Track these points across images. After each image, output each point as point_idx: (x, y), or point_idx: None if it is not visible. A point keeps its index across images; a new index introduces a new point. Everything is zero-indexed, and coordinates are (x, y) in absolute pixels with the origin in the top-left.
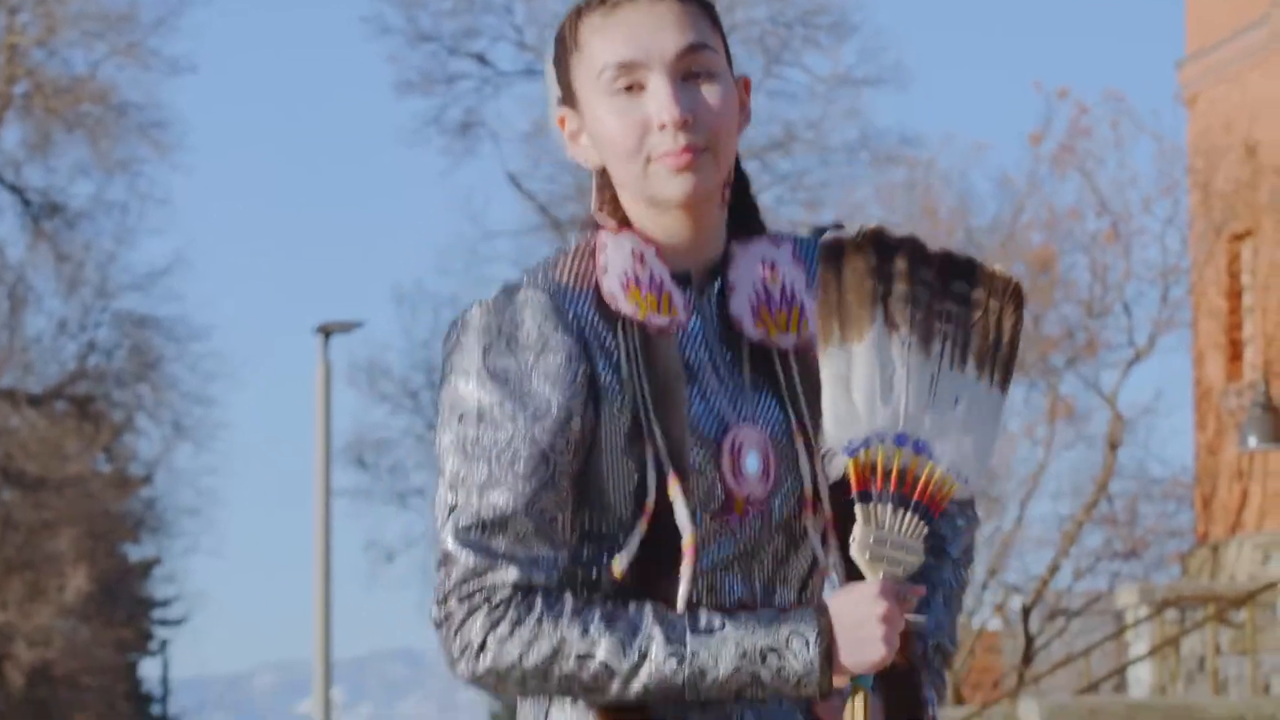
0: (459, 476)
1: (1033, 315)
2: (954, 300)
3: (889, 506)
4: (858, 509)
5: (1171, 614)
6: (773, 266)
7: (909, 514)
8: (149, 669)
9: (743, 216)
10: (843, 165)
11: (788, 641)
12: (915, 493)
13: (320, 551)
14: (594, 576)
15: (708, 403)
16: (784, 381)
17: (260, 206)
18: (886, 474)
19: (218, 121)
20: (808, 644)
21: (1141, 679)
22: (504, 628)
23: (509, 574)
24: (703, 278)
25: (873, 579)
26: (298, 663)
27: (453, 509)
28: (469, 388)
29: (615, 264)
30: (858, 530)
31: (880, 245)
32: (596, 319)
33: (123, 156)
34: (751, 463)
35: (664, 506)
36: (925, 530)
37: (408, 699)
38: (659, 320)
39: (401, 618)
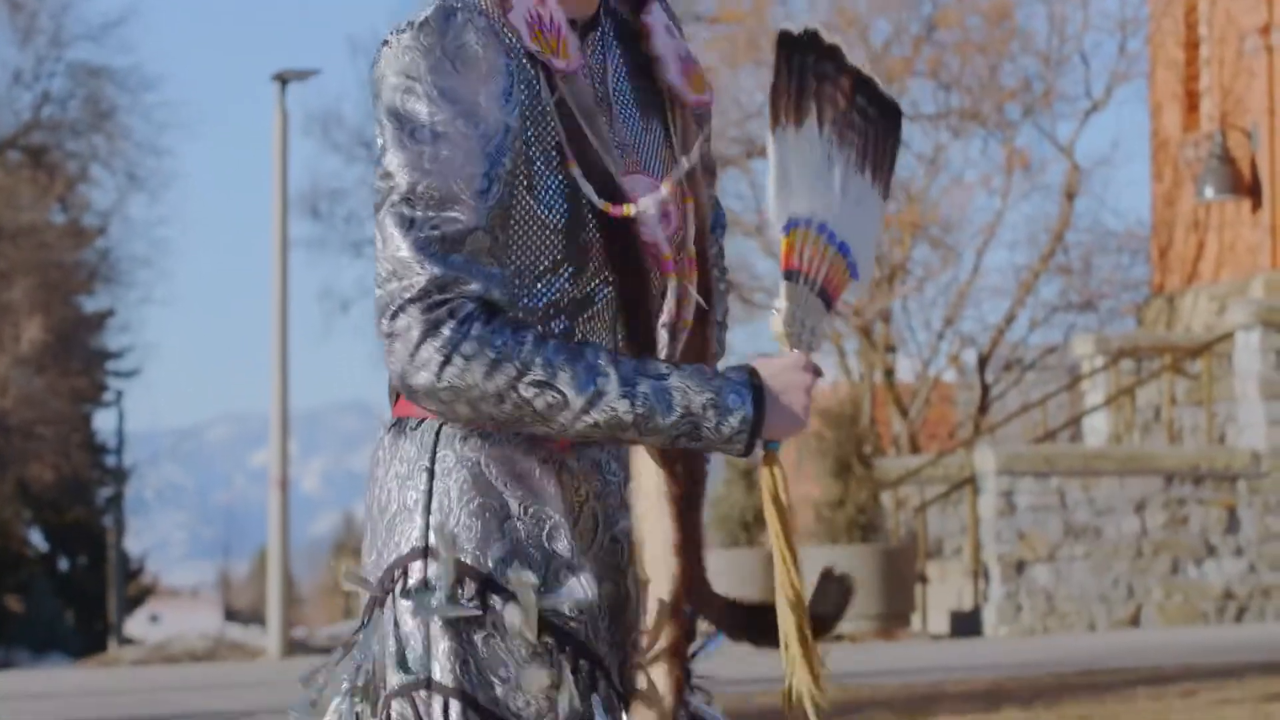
0: (416, 191)
1: (990, 66)
2: (858, 112)
3: (807, 289)
4: (783, 285)
5: (1127, 364)
6: (678, 32)
7: (816, 299)
8: (104, 420)
9: None
10: None
11: (727, 399)
12: (823, 281)
13: (278, 302)
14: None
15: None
16: (679, 135)
17: None
18: (809, 258)
19: None
20: (744, 404)
21: (1097, 428)
22: (469, 346)
23: (471, 287)
24: (587, 26)
25: (793, 352)
26: (251, 415)
27: (411, 223)
28: (419, 106)
29: (519, 1)
30: (783, 305)
31: (817, 46)
32: (519, 47)
33: None
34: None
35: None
36: (825, 316)
37: (359, 452)
38: (559, 63)
39: (354, 370)
